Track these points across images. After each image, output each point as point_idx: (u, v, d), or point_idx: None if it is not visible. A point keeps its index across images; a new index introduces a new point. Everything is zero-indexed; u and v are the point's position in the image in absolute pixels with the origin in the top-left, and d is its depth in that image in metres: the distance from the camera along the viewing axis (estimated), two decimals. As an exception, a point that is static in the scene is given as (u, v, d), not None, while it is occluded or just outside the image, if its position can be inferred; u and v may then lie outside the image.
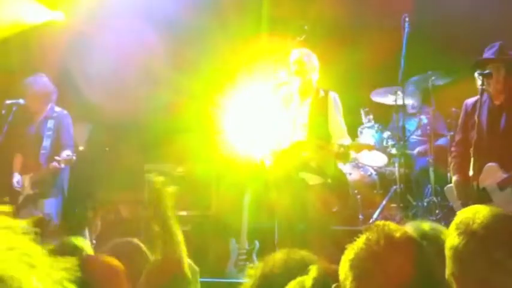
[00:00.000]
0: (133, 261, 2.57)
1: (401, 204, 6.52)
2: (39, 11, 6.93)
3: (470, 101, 5.13)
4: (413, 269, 1.62)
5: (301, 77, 5.38)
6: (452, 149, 5.31)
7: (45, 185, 6.11)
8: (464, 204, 4.83)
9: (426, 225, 2.36)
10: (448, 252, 1.85)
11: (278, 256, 2.10)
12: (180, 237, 2.39)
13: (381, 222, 1.70)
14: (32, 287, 0.95)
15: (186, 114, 7.01)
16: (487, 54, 4.98)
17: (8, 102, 6.16)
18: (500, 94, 4.95)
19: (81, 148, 6.41)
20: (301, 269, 1.91)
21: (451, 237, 1.85)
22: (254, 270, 2.08)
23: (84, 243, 2.55)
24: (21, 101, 6.16)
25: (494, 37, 6.02)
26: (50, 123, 6.20)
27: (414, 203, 6.79)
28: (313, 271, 1.82)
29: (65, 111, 6.35)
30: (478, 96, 4.92)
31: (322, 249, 4.61)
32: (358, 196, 6.88)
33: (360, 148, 5.64)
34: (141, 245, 2.86)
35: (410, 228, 2.28)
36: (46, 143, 6.15)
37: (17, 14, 6.75)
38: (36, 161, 6.13)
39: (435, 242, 2.12)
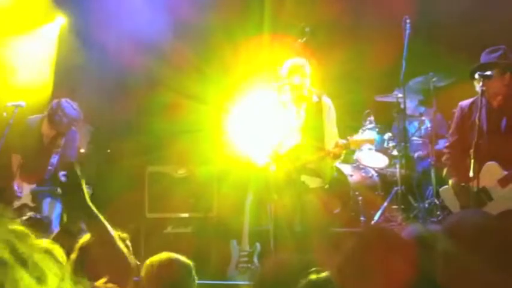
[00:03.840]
0: None
1: (402, 206, 6.51)
2: (49, 29, 7.02)
3: (465, 103, 5.15)
4: (407, 269, 1.63)
5: (293, 87, 5.44)
6: (446, 150, 5.31)
7: (46, 194, 6.15)
8: (464, 206, 4.85)
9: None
10: (438, 256, 1.84)
11: (282, 258, 2.09)
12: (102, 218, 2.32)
13: (375, 224, 1.72)
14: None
15: (188, 116, 7.01)
16: (490, 57, 4.98)
17: (9, 104, 6.18)
18: (498, 96, 4.96)
19: (82, 150, 6.42)
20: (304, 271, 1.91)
21: (441, 240, 1.84)
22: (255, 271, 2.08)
23: (54, 247, 2.48)
24: (22, 103, 6.18)
25: (496, 38, 6.03)
26: (61, 141, 6.23)
27: (415, 205, 6.78)
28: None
29: (74, 129, 6.36)
30: (473, 98, 4.97)
31: (323, 251, 4.61)
32: (359, 198, 6.86)
33: (359, 143, 5.66)
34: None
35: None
36: (54, 159, 6.18)
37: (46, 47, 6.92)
38: (41, 175, 6.15)
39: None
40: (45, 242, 2.29)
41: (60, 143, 6.23)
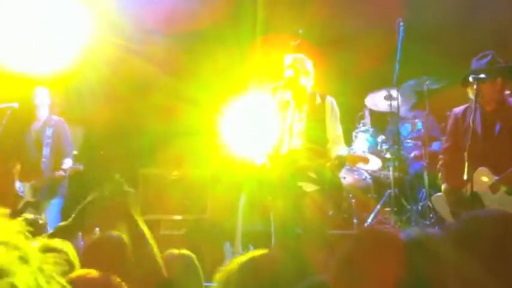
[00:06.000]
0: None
1: (395, 208, 6.53)
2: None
3: (458, 109, 5.20)
4: (403, 272, 1.63)
5: (294, 83, 5.36)
6: (441, 156, 5.35)
7: (47, 190, 6.15)
8: (454, 212, 4.88)
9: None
10: (441, 261, 1.83)
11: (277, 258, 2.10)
12: (148, 235, 2.51)
13: (370, 225, 1.73)
14: (23, 281, 0.98)
15: (182, 118, 7.01)
16: (480, 63, 5.01)
17: (1, 106, 6.16)
18: (492, 102, 4.99)
19: (75, 153, 6.42)
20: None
21: (445, 246, 1.83)
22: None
23: (65, 245, 2.56)
24: (15, 104, 6.16)
25: (488, 41, 6.05)
26: (49, 132, 6.26)
27: (408, 207, 6.80)
28: None
29: (62, 119, 6.39)
30: (466, 105, 5.03)
31: (318, 253, 4.61)
32: (353, 200, 6.88)
33: (355, 160, 5.68)
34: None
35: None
36: (46, 151, 6.21)
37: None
38: (37, 169, 6.17)
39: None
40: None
41: (49, 134, 6.25)
